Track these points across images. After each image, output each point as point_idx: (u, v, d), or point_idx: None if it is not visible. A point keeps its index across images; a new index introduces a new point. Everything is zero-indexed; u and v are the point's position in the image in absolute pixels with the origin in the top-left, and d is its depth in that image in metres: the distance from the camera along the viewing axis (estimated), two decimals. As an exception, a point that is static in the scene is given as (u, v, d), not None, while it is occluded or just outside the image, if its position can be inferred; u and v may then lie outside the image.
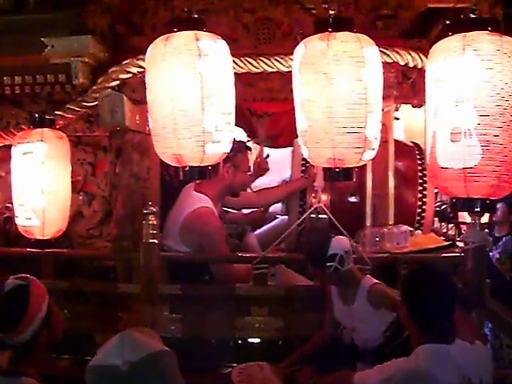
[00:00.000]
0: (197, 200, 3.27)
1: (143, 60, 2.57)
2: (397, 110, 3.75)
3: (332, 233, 2.70)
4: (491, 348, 2.52)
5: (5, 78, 3.32)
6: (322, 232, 2.88)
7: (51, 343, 2.04)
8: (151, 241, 2.93)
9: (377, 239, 3.24)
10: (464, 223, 3.96)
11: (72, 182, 3.34)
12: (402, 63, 3.02)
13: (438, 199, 3.99)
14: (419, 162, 3.68)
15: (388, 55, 2.95)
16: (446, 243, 3.52)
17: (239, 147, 3.31)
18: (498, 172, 2.04)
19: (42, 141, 3.12)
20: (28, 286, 1.95)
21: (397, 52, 2.98)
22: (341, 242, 2.62)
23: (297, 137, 2.50)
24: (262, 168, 3.94)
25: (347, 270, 2.62)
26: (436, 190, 3.62)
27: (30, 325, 1.91)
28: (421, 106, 3.24)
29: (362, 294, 2.63)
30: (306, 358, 2.82)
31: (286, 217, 3.98)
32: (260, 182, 4.11)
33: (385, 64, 2.69)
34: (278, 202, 4.24)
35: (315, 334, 2.90)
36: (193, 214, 3.21)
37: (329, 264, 2.56)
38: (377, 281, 2.66)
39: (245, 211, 4.31)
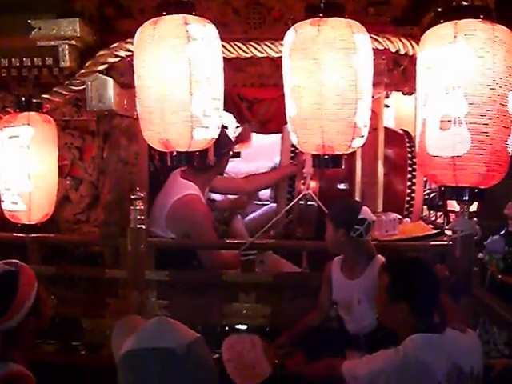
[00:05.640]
0: (183, 187, 3.26)
1: (131, 43, 2.53)
2: (387, 97, 3.75)
3: None
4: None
5: (-9, 60, 3.27)
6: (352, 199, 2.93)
7: (38, 330, 2.02)
8: (138, 226, 2.93)
9: (365, 227, 3.24)
10: (453, 211, 3.96)
11: (59, 167, 3.30)
12: (393, 50, 3.00)
13: (427, 187, 3.99)
14: (409, 149, 3.69)
15: (379, 42, 2.92)
16: (435, 231, 3.54)
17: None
18: (487, 161, 2.03)
19: (28, 124, 3.07)
20: (17, 273, 1.93)
21: (388, 39, 2.96)
22: (370, 212, 2.66)
23: (286, 123, 2.47)
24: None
25: (366, 241, 2.65)
26: (425, 178, 3.63)
27: (18, 312, 1.89)
28: (411, 93, 3.23)
29: (374, 268, 2.56)
30: (298, 338, 2.81)
31: (275, 204, 3.98)
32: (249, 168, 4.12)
33: (376, 51, 2.67)
34: (266, 188, 4.24)
35: (308, 314, 2.89)
36: (179, 202, 3.20)
37: (356, 227, 2.58)
38: None
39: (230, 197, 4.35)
